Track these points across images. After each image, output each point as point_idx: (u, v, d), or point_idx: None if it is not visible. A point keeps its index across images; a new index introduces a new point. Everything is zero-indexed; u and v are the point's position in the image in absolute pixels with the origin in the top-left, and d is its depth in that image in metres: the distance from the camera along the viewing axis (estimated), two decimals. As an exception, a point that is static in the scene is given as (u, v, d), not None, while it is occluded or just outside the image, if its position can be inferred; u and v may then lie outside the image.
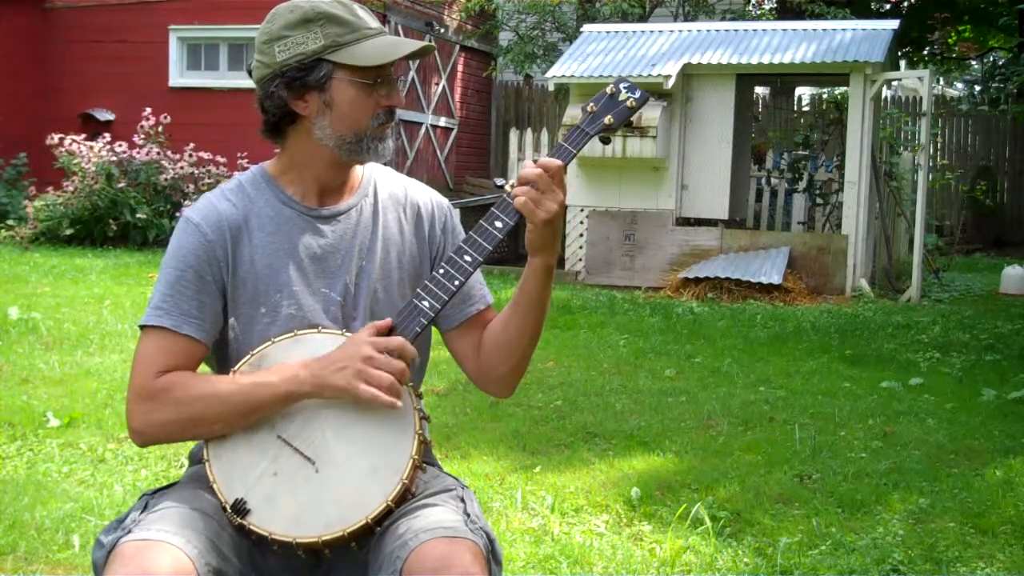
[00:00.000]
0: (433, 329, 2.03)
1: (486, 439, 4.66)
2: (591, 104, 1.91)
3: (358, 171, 2.00)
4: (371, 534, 1.80)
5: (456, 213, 2.12)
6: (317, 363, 1.80)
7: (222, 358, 1.93)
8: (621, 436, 4.77)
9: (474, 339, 2.00)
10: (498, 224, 1.85)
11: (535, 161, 1.84)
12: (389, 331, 1.84)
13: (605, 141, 1.96)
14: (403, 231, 2.00)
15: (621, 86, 1.91)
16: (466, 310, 2.00)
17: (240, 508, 1.78)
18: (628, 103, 1.90)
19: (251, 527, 1.77)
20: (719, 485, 4.07)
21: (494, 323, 1.98)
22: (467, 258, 1.85)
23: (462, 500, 1.89)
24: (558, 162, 1.81)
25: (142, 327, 1.87)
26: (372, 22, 1.90)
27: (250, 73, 1.92)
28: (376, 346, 1.79)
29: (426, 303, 1.84)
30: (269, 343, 1.86)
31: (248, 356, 1.86)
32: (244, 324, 1.90)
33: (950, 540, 3.54)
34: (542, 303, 1.90)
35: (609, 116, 1.89)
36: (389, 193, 2.02)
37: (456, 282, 1.84)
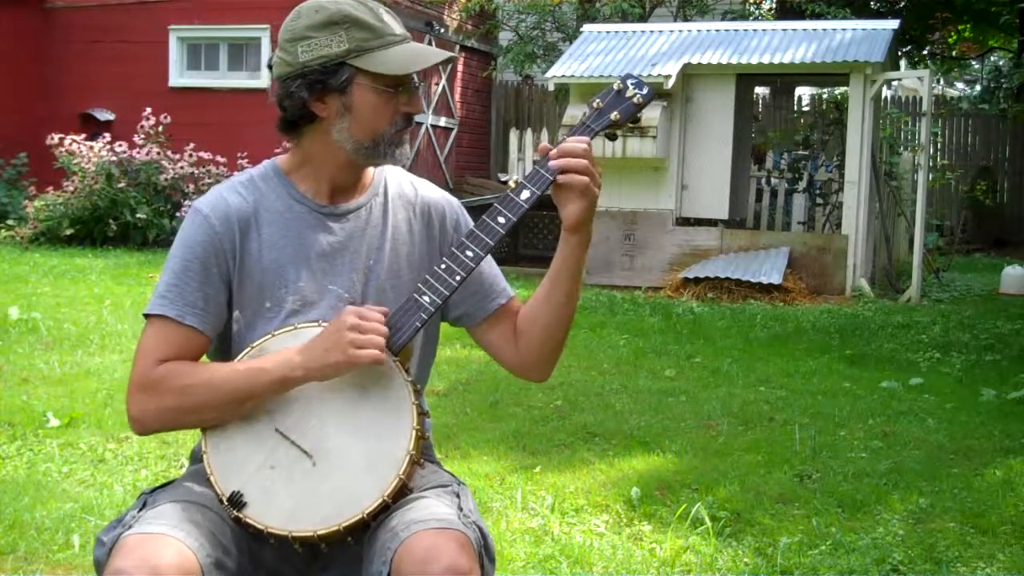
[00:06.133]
0: (443, 330, 2.03)
1: (486, 439, 4.66)
2: (597, 100, 1.90)
3: (370, 170, 2.00)
4: (367, 528, 1.80)
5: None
6: (309, 346, 1.80)
7: (225, 351, 1.94)
8: (621, 436, 4.77)
9: (505, 330, 2.00)
10: (501, 220, 1.84)
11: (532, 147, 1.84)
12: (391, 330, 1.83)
13: (611, 137, 1.95)
14: (412, 230, 2.00)
15: (628, 82, 1.91)
16: (490, 305, 2.00)
17: (237, 501, 1.78)
18: (635, 99, 1.90)
19: (247, 520, 1.78)
20: (719, 485, 4.07)
21: (529, 308, 1.98)
22: (469, 253, 1.84)
23: (457, 495, 1.90)
24: (588, 138, 1.84)
25: (146, 316, 1.88)
26: (397, 28, 1.90)
27: (270, 68, 1.91)
28: (359, 315, 1.79)
29: (427, 298, 1.83)
30: (269, 336, 1.87)
31: (248, 349, 1.86)
32: (248, 317, 1.91)
33: (950, 540, 3.54)
34: (580, 276, 1.92)
35: (615, 112, 1.89)
36: (399, 192, 2.02)
37: (457, 277, 1.83)
